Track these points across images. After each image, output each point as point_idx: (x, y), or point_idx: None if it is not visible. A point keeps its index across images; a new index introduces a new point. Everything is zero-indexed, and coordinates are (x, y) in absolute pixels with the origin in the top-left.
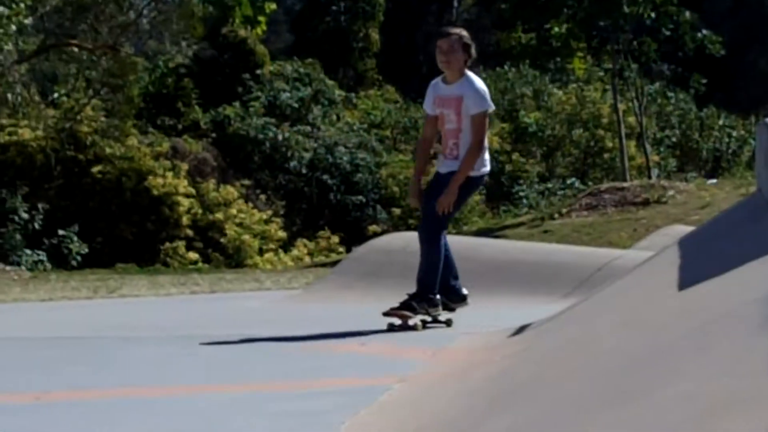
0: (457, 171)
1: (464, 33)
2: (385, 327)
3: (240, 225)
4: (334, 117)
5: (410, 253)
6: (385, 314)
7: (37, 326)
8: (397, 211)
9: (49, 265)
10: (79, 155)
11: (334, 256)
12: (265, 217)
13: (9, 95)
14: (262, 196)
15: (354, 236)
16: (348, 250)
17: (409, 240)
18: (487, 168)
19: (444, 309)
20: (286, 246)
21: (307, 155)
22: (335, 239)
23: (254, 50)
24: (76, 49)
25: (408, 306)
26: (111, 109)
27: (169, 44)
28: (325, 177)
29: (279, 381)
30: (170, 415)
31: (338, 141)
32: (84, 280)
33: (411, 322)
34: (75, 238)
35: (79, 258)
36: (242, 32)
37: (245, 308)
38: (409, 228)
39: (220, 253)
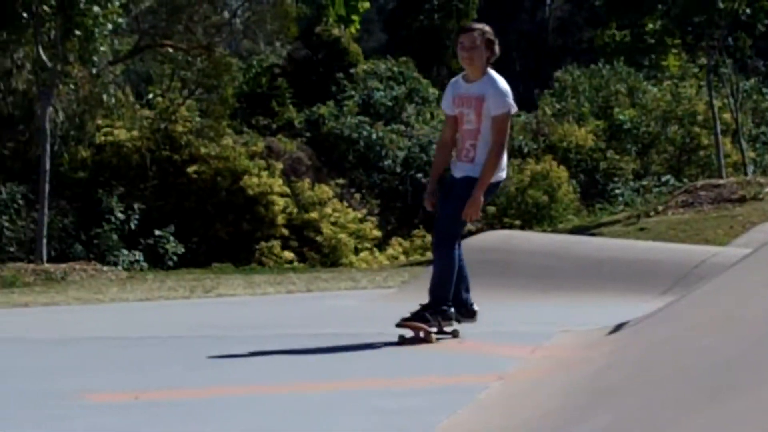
0: (480, 177)
1: (488, 29)
2: (471, 325)
3: (335, 224)
4: (428, 115)
5: (506, 251)
6: (398, 326)
7: (135, 326)
8: (491, 209)
9: (145, 265)
10: (174, 155)
11: (429, 255)
12: (359, 216)
13: (104, 96)
14: (357, 195)
15: None
16: None
17: (504, 238)
18: (504, 174)
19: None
20: (381, 245)
21: (401, 154)
22: (430, 238)
23: (348, 49)
24: (170, 50)
25: (421, 317)
26: (206, 109)
27: (264, 44)
28: (419, 175)
29: (378, 379)
30: (269, 414)
31: (432, 139)
32: (180, 279)
33: (423, 335)
34: (171, 238)
35: (175, 258)
36: (336, 31)
37: (342, 307)
38: (504, 226)
39: (316, 252)
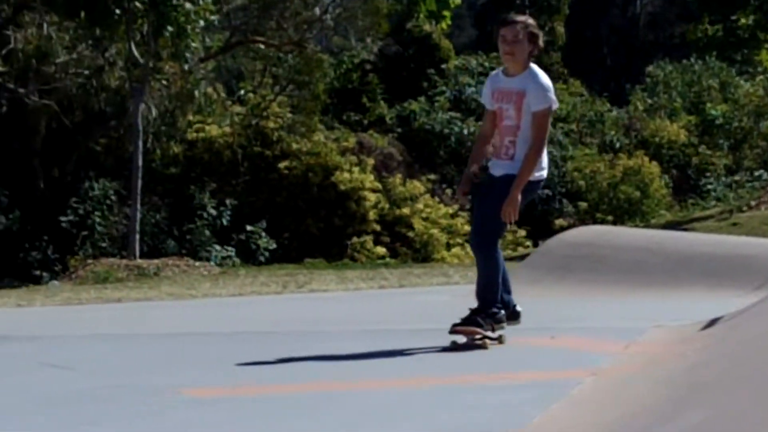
0: (518, 175)
1: (531, 21)
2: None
3: (426, 219)
4: None
5: (598, 247)
6: (451, 332)
7: (228, 321)
8: (583, 204)
9: (237, 261)
10: (265, 151)
11: (521, 250)
12: (451, 211)
13: (196, 92)
14: (448, 191)
15: (540, 230)
16: (535, 244)
17: (597, 233)
18: (545, 172)
19: None
20: None
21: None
22: (522, 233)
23: (439, 45)
24: (262, 46)
25: (473, 322)
26: (297, 105)
27: (355, 40)
28: None
29: (473, 374)
30: (364, 410)
31: None
32: (273, 275)
33: (478, 340)
34: (263, 234)
35: (266, 254)
36: (427, 27)
37: (434, 302)
38: (596, 221)
39: (408, 248)
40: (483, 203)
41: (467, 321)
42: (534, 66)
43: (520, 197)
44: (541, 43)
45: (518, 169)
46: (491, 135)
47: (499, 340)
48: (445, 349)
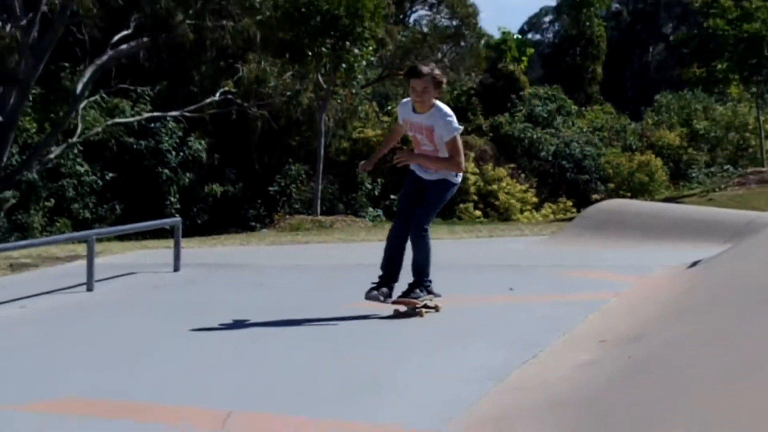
0: (434, 158)
1: (436, 71)
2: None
3: (508, 193)
4: (571, 123)
5: (620, 213)
6: (394, 302)
7: (377, 257)
8: (611, 185)
9: (384, 218)
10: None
11: (569, 214)
12: (524, 188)
13: (359, 108)
14: (522, 175)
15: (582, 202)
16: (578, 211)
17: (619, 204)
18: (459, 177)
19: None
20: (538, 207)
21: (552, 148)
22: (570, 203)
23: (519, 79)
24: (402, 77)
25: (411, 294)
26: None
27: (463, 74)
28: (563, 162)
29: (536, 295)
30: (468, 318)
31: (573, 139)
32: None
33: (415, 308)
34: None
35: None
36: (511, 67)
37: (512, 248)
38: (620, 196)
39: (495, 212)
40: (420, 204)
41: (406, 294)
42: (437, 103)
43: (417, 162)
44: (444, 85)
45: (444, 175)
46: (402, 132)
47: (436, 309)
48: (389, 317)
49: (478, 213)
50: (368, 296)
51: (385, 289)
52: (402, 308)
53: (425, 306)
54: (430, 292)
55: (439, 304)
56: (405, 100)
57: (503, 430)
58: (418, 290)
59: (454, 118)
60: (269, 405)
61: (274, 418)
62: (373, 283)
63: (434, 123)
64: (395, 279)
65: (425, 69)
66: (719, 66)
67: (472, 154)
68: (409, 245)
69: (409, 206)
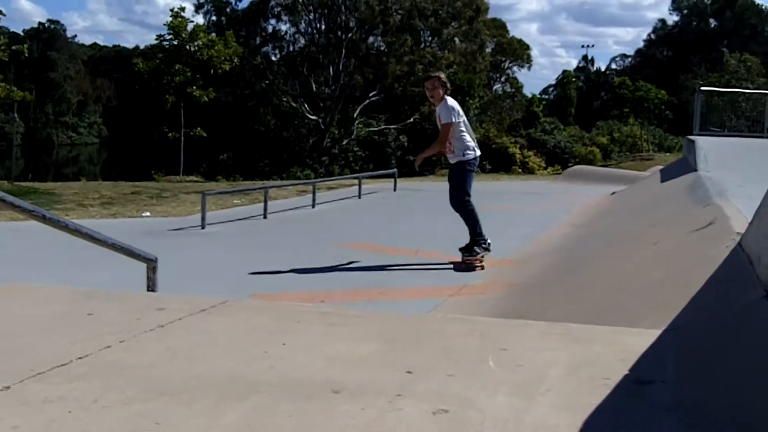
0: (430, 148)
1: (442, 76)
2: None
3: (533, 162)
4: (560, 132)
5: (583, 171)
6: (459, 263)
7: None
8: (576, 159)
9: None
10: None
11: (559, 172)
12: (540, 160)
13: None
14: (539, 155)
15: (564, 166)
16: (563, 170)
17: (581, 168)
18: (472, 153)
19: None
20: (546, 168)
21: (552, 143)
22: (559, 167)
23: (539, 114)
24: None
25: (470, 250)
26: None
27: (516, 112)
28: (557, 150)
29: (545, 205)
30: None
31: (561, 139)
32: None
33: (471, 263)
34: None
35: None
36: (536, 109)
37: (536, 184)
38: (579, 164)
39: (527, 170)
40: (450, 184)
41: (465, 249)
42: (446, 98)
43: (422, 156)
44: (449, 85)
45: (456, 159)
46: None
47: (482, 264)
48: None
49: (519, 171)
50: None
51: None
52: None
53: (478, 259)
54: (486, 249)
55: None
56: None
57: (530, 261)
58: (475, 247)
59: (453, 111)
60: (437, 245)
61: (439, 253)
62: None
63: (440, 111)
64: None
65: (433, 74)
66: (626, 110)
67: (517, 146)
68: None
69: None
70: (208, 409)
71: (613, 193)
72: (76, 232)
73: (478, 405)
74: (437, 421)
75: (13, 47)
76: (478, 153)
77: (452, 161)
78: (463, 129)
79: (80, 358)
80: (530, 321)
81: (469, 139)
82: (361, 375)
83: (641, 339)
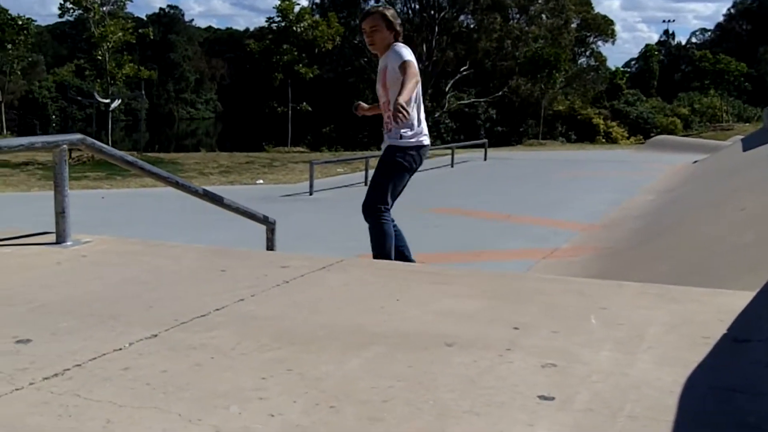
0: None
1: (388, 12)
2: None
3: (618, 133)
4: (644, 102)
5: (664, 141)
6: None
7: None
8: (658, 130)
9: None
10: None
11: (642, 141)
12: (623, 131)
13: None
14: (623, 126)
15: (647, 137)
16: (645, 140)
17: (664, 137)
18: (413, 140)
19: None
20: (629, 138)
21: (636, 114)
22: (642, 138)
23: (622, 86)
24: None
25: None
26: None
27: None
28: (640, 121)
29: (630, 171)
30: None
31: (644, 110)
32: None
33: None
34: None
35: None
36: (619, 81)
37: (621, 153)
38: (661, 134)
39: (612, 140)
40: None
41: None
42: (395, 44)
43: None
44: (399, 28)
45: (395, 139)
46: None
47: None
48: None
49: (603, 141)
50: None
51: None
52: None
53: None
54: None
55: None
56: None
57: (617, 225)
58: None
59: (409, 53)
60: (528, 210)
61: (531, 218)
62: None
63: (386, 62)
64: None
65: (373, 9)
66: (706, 82)
67: (601, 117)
68: None
69: None
70: (335, 357)
71: (696, 162)
72: (206, 197)
73: (583, 359)
74: (546, 374)
75: (139, 30)
76: (427, 142)
77: (387, 141)
78: (417, 102)
79: (217, 309)
80: (623, 282)
81: (420, 118)
82: (470, 329)
83: (737, 299)
